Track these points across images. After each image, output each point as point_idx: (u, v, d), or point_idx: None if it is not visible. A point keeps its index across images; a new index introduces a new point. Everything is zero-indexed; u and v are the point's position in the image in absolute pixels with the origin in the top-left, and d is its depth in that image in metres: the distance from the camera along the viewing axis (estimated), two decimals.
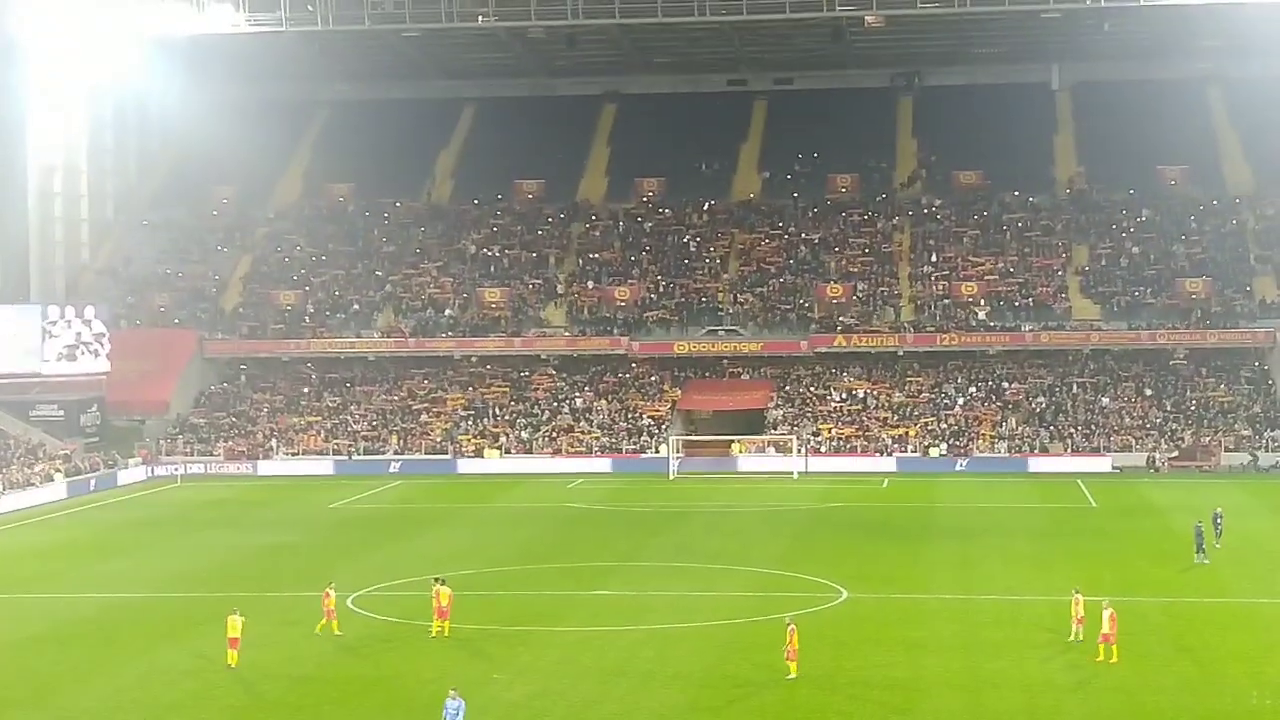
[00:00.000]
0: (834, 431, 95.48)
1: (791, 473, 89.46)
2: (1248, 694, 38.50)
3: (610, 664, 41.89)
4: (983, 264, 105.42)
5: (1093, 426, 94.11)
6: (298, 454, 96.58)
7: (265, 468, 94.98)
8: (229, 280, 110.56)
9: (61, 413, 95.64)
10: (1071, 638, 43.02)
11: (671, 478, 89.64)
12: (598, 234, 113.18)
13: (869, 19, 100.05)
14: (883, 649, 43.60)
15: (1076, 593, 45.03)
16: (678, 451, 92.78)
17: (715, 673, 41.15)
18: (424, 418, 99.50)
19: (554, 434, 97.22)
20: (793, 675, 39.22)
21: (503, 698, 39.13)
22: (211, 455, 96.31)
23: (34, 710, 38.97)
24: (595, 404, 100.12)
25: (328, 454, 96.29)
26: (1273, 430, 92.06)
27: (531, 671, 41.87)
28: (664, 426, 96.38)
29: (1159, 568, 57.32)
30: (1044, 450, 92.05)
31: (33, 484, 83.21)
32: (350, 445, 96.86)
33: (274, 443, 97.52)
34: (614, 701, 38.56)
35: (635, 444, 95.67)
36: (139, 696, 40.03)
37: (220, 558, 62.93)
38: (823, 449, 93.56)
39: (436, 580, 47.20)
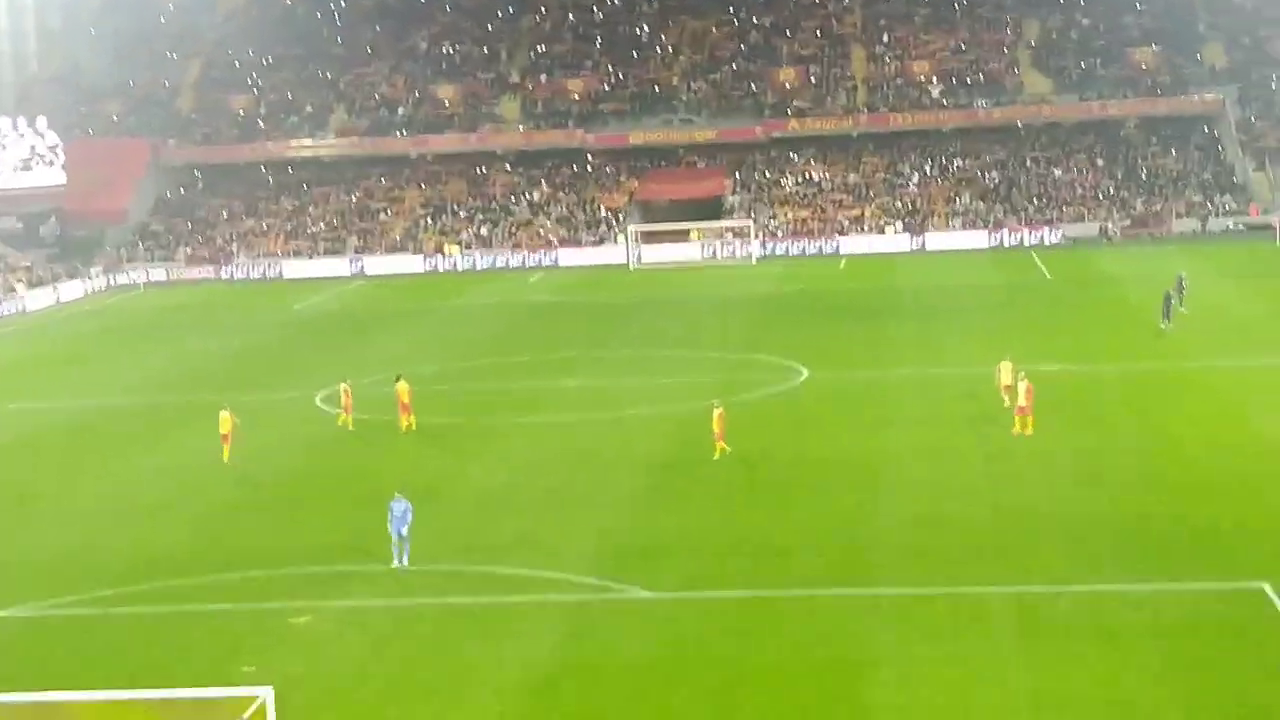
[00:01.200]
0: (790, 215, 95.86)
1: (750, 258, 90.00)
2: (1201, 459, 39.51)
3: (577, 451, 43.02)
4: (934, 42, 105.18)
5: (1046, 199, 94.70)
6: (258, 257, 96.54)
7: (227, 272, 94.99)
8: (180, 86, 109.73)
9: (20, 225, 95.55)
10: (1007, 404, 43.44)
11: (631, 268, 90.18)
12: (548, 27, 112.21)
13: None
14: (845, 425, 44.81)
15: (1004, 362, 45.76)
16: (637, 242, 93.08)
17: (680, 456, 42.10)
18: (383, 217, 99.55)
19: (513, 229, 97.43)
20: (727, 450, 40.45)
21: (476, 486, 40.05)
22: (173, 261, 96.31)
23: (21, 516, 39.63)
24: (553, 198, 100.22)
25: (289, 256, 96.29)
26: (1222, 195, 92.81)
27: (502, 461, 42.90)
28: (622, 217, 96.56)
29: (1115, 335, 58.46)
30: (998, 225, 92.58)
31: None
32: (311, 247, 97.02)
33: (235, 247, 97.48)
34: (582, 485, 39.56)
35: (595, 235, 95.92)
36: (127, 496, 40.88)
37: (190, 362, 63.53)
38: (780, 233, 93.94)
39: (397, 378, 48.14)
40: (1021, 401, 42.06)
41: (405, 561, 32.16)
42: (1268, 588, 29.26)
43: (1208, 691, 25.04)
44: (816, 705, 25.28)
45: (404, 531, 32.21)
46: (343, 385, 47.80)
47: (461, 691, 26.58)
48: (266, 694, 21.39)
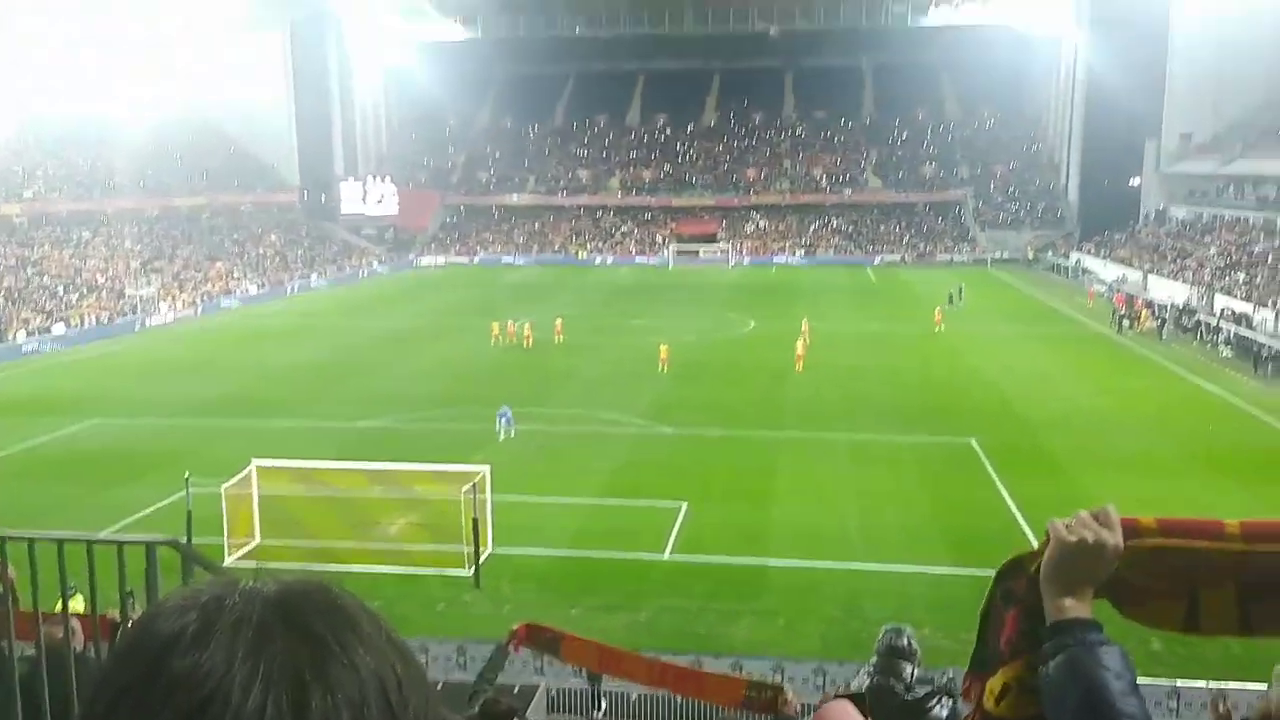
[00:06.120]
0: (748, 245, 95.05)
1: (729, 264, 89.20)
2: (940, 373, 39.24)
3: (640, 358, 42.80)
4: (824, 159, 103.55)
5: (874, 242, 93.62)
6: (489, 253, 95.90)
7: (473, 260, 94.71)
8: (455, 166, 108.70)
9: (374, 232, 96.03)
10: (799, 368, 39.88)
11: (670, 268, 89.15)
12: (635, 146, 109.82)
13: (772, 31, 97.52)
14: (769, 348, 44.54)
15: (806, 320, 45.43)
16: (672, 254, 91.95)
17: (688, 361, 41.87)
18: (549, 235, 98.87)
19: (614, 245, 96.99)
20: (664, 370, 39.43)
21: (586, 373, 40.28)
22: (447, 254, 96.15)
23: (372, 375, 40.02)
24: (634, 230, 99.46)
25: (505, 253, 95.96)
26: (961, 245, 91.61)
27: (601, 361, 42.98)
28: (666, 241, 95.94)
29: (906, 312, 57.66)
30: (850, 253, 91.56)
31: (358, 267, 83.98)
32: (515, 248, 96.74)
33: (477, 248, 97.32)
34: (639, 373, 39.59)
35: (653, 250, 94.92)
36: (421, 368, 41.11)
37: (452, 303, 63.81)
38: (744, 254, 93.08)
39: (557, 317, 48.38)
40: (800, 350, 40.83)
41: (505, 435, 29.83)
42: (974, 442, 29.29)
43: (940, 489, 25.21)
44: (751, 486, 25.57)
45: (507, 421, 30.06)
46: (527, 321, 48.04)
47: (579, 470, 26.97)
48: (486, 470, 21.75)
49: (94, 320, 53.53)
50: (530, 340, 46.23)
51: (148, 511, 23.33)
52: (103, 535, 4.03)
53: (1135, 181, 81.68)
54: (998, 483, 25.28)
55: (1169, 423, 31.53)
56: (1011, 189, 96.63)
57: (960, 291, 59.89)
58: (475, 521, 19.64)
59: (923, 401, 34.55)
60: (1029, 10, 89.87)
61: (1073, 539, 1.66)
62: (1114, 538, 1.66)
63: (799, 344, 41.59)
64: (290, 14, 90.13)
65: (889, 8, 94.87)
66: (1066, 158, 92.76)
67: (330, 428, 31.72)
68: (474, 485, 20.41)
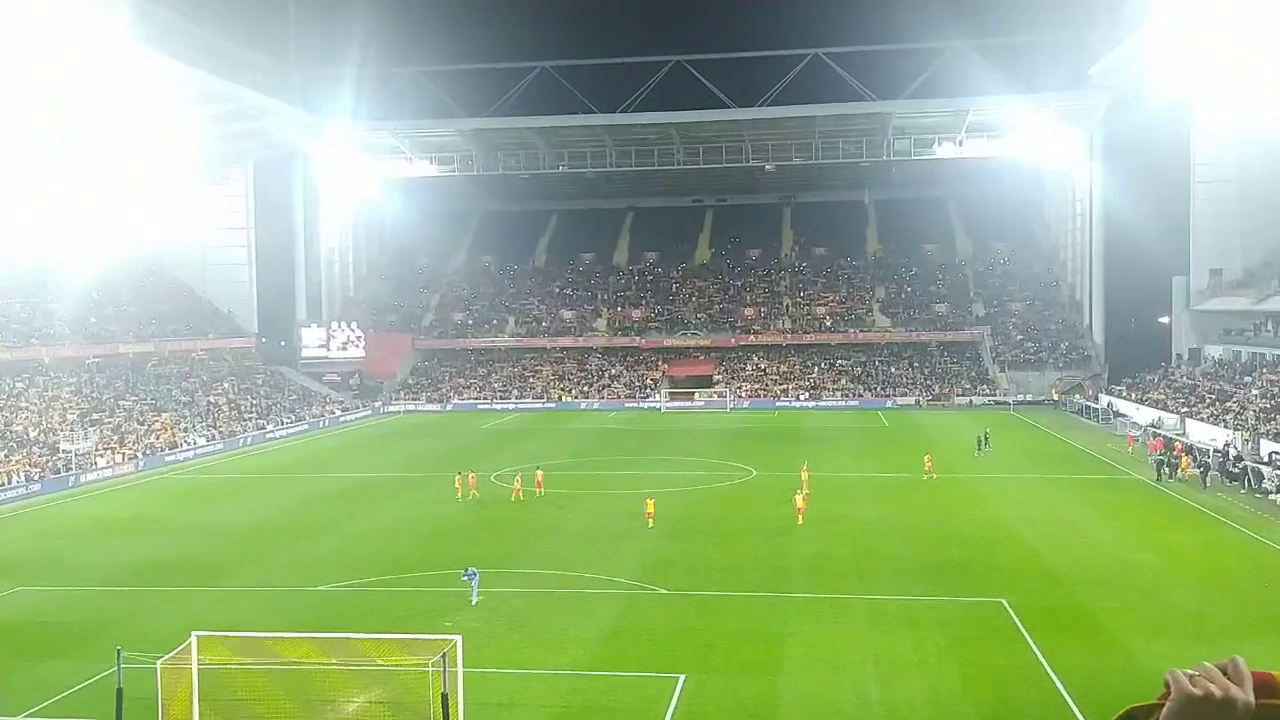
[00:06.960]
0: (747, 387, 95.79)
1: (726, 408, 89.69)
2: (964, 526, 38.95)
3: (629, 511, 42.43)
4: (827, 297, 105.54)
5: (885, 384, 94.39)
6: (464, 400, 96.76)
7: (446, 407, 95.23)
8: (428, 307, 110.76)
9: (339, 378, 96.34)
10: (803, 493, 41.59)
11: (662, 411, 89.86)
12: (623, 284, 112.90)
13: (767, 167, 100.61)
14: (772, 501, 44.22)
15: (805, 471, 46.01)
16: (665, 397, 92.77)
17: (682, 514, 41.71)
18: (530, 380, 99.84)
19: (600, 388, 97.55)
20: (651, 525, 38.94)
21: (573, 528, 39.78)
22: (418, 401, 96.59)
23: (330, 534, 39.59)
24: (622, 373, 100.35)
25: (481, 399, 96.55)
26: (980, 386, 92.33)
27: (585, 514, 42.57)
28: (658, 384, 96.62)
29: (919, 458, 57.41)
30: (859, 395, 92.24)
31: (319, 416, 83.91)
32: (492, 394, 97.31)
33: (450, 394, 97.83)
34: (629, 529, 39.17)
35: (643, 394, 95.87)
36: (382, 526, 40.73)
37: (423, 453, 63.56)
38: (743, 396, 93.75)
39: (537, 468, 48.04)
40: (799, 505, 40.50)
41: (475, 600, 29.37)
42: (1005, 602, 28.78)
43: (970, 655, 24.62)
44: (757, 654, 24.94)
45: (474, 583, 29.51)
46: (517, 474, 47.70)
47: (563, 637, 26.32)
48: (458, 639, 21.20)
49: (22, 478, 52.98)
50: (519, 492, 46.14)
51: (75, 689, 22.51)
52: (21, 719, 3.88)
53: (1165, 319, 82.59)
54: (1034, 648, 24.66)
55: (1222, 579, 31.02)
56: (1031, 327, 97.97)
57: (986, 437, 59.81)
58: (445, 697, 19.01)
59: (947, 557, 34.09)
60: (1038, 144, 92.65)
61: (1198, 693, 1.59)
62: (1245, 694, 1.61)
63: (798, 497, 41.37)
64: (254, 153, 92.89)
65: (890, 143, 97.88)
66: (1089, 294, 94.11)
67: (282, 593, 31.04)
68: (444, 656, 19.84)
